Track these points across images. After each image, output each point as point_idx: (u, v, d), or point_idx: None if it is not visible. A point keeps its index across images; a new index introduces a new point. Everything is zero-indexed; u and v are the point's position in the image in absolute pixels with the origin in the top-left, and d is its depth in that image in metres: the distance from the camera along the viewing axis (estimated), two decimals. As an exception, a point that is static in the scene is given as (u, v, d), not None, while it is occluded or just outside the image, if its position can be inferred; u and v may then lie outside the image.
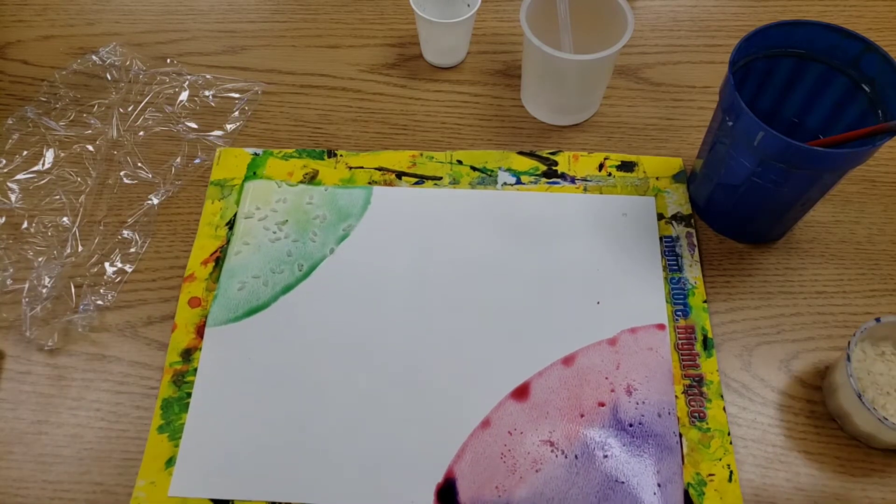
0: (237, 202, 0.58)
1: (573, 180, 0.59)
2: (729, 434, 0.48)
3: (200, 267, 0.55)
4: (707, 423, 0.48)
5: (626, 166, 0.59)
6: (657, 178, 0.59)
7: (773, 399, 0.49)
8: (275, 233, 0.56)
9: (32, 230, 0.57)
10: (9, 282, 0.54)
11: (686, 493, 0.46)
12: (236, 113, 0.62)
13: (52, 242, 0.56)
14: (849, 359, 0.45)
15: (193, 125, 0.63)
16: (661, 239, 0.55)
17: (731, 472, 0.46)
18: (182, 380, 0.50)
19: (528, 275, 0.54)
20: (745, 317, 0.53)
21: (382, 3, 0.72)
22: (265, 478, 0.46)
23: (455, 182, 0.59)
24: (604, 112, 0.63)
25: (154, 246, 0.56)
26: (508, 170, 0.59)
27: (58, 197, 0.58)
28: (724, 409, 0.48)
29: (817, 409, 0.49)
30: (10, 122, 0.62)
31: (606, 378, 0.49)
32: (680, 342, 0.51)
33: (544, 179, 0.59)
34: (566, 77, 0.57)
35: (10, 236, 0.56)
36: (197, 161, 0.59)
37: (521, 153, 0.60)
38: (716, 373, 0.50)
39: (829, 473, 0.47)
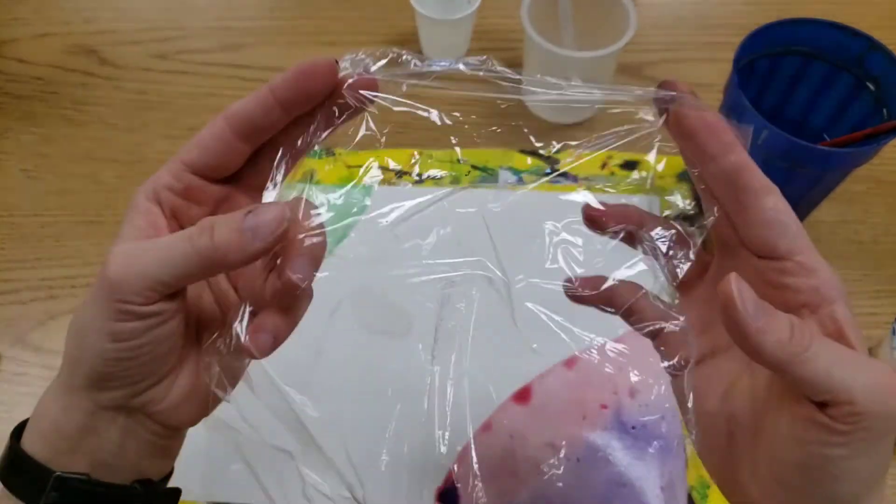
0: (235, 201, 0.57)
1: (575, 179, 0.58)
2: (732, 436, 0.47)
3: (198, 267, 0.54)
4: (710, 426, 0.47)
5: (629, 165, 0.59)
6: (661, 177, 0.58)
7: (777, 401, 0.49)
8: (273, 233, 0.55)
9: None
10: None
11: (689, 497, 0.45)
12: None
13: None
14: (894, 333, 0.45)
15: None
16: (663, 239, 0.55)
17: (735, 475, 0.46)
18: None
19: (528, 275, 0.53)
20: (748, 317, 0.52)
21: (382, 0, 0.71)
22: (263, 480, 0.46)
23: (455, 181, 0.58)
24: (606, 110, 0.63)
25: (151, 246, 0.56)
26: (510, 168, 0.59)
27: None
28: (727, 411, 0.48)
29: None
30: None
31: (609, 380, 0.49)
32: (683, 343, 0.50)
33: (546, 178, 0.58)
34: (568, 75, 0.57)
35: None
36: None
37: (522, 152, 0.60)
38: (719, 374, 0.49)
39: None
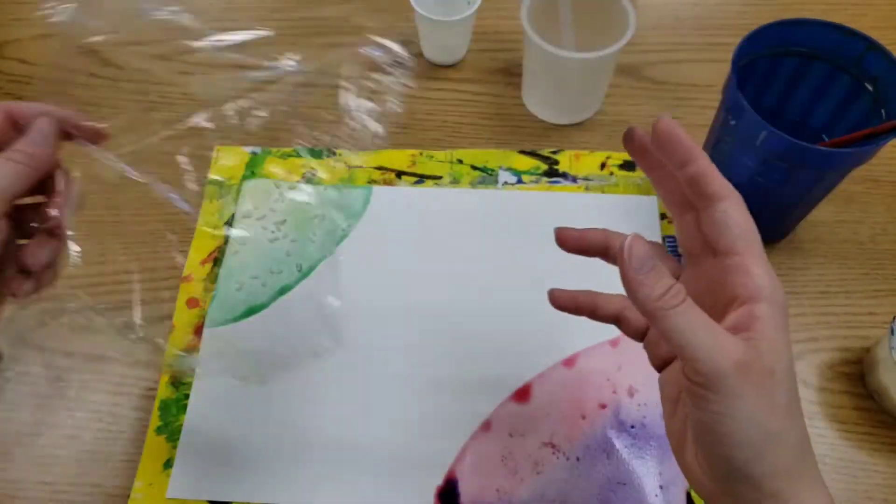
0: (235, 201, 0.57)
1: (575, 180, 0.58)
2: (731, 436, 0.47)
3: (198, 267, 0.54)
4: (709, 425, 0.48)
5: (628, 165, 0.59)
6: (659, 178, 0.58)
7: (776, 400, 0.49)
8: (273, 233, 0.55)
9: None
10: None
11: (688, 495, 0.45)
12: None
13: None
14: (892, 332, 0.45)
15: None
16: (663, 239, 0.55)
17: (734, 474, 0.46)
18: (180, 381, 0.50)
19: (528, 275, 0.54)
20: (747, 317, 0.52)
21: (382, 1, 0.71)
22: (263, 479, 0.46)
23: (455, 181, 0.58)
24: (606, 111, 0.63)
25: (152, 246, 0.56)
26: (509, 169, 0.59)
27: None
28: (726, 410, 0.48)
29: (819, 410, 0.49)
30: None
31: (608, 379, 0.49)
32: (682, 343, 0.51)
33: (545, 179, 0.59)
34: (568, 75, 0.57)
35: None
36: None
37: (522, 152, 0.60)
38: (718, 374, 0.49)
39: (827, 468, 0.46)
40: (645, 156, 0.32)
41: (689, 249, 0.32)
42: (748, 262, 0.28)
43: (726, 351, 0.26)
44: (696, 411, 0.27)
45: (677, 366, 0.33)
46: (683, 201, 0.31)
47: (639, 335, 0.36)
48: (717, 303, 0.29)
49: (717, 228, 0.29)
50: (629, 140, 0.32)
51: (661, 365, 0.34)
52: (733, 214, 0.29)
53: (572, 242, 0.36)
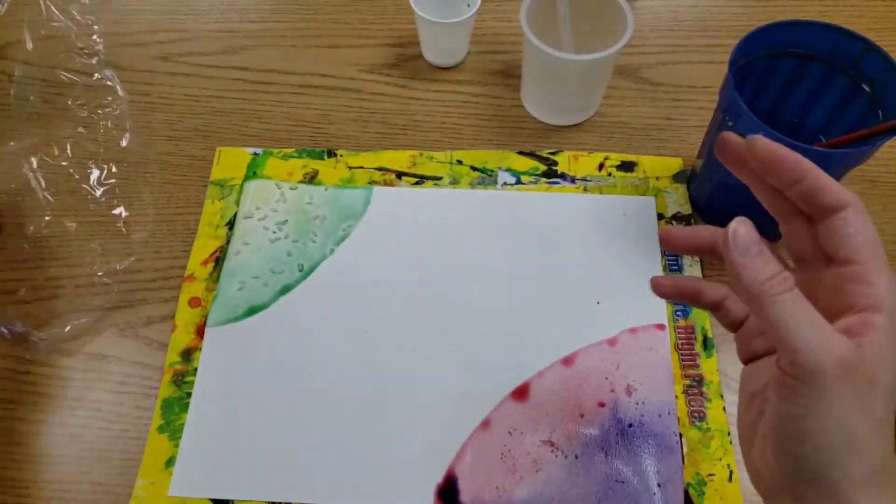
0: (237, 202, 0.58)
1: (573, 180, 0.59)
2: (729, 434, 0.48)
3: (200, 267, 0.55)
4: (707, 423, 0.48)
5: (626, 166, 0.59)
6: (657, 178, 0.59)
7: (773, 399, 0.49)
8: (275, 233, 0.56)
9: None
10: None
11: (686, 493, 0.46)
12: None
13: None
14: None
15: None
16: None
17: (732, 472, 0.46)
18: (182, 380, 0.50)
19: (527, 275, 0.54)
20: (745, 317, 0.53)
21: (382, 3, 0.72)
22: (265, 478, 0.46)
23: (455, 182, 0.59)
24: (604, 112, 0.63)
25: (154, 246, 0.56)
26: (508, 170, 0.59)
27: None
28: (723, 408, 0.49)
29: (817, 409, 0.49)
30: None
31: (606, 378, 0.49)
32: (680, 342, 0.51)
33: (544, 179, 0.59)
34: (566, 77, 0.57)
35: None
36: None
37: (521, 153, 0.60)
38: (716, 373, 0.50)
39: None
40: (742, 165, 0.30)
41: (798, 255, 0.31)
42: (870, 272, 0.27)
43: (830, 347, 0.25)
44: (782, 403, 0.26)
45: (768, 361, 0.31)
46: (790, 208, 0.30)
47: (734, 326, 0.35)
48: (829, 310, 0.28)
49: (836, 238, 0.28)
50: (722, 149, 0.30)
51: (748, 359, 0.33)
52: (854, 222, 0.27)
53: (682, 242, 0.34)
